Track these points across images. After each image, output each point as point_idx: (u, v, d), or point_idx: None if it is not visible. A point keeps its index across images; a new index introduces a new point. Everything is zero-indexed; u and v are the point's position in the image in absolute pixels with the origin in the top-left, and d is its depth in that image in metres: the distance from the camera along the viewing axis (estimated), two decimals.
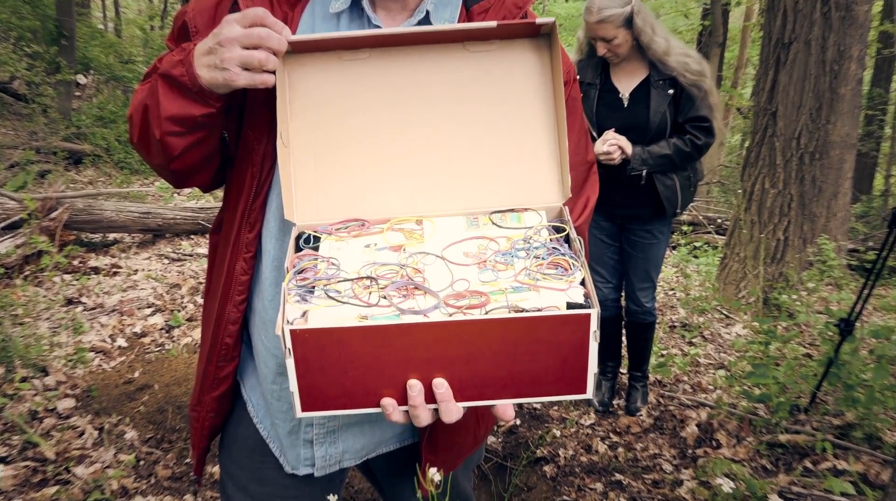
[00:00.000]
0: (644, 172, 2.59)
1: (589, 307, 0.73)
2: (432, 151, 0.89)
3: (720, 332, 4.03)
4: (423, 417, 0.76)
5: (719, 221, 6.61)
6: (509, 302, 0.74)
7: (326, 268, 0.81)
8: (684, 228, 6.38)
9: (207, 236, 5.81)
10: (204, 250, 5.56)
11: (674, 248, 6.16)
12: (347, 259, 0.83)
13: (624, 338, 3.15)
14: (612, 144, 2.52)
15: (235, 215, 0.99)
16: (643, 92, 2.59)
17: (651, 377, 3.30)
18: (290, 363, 0.71)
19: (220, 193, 6.81)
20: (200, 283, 4.65)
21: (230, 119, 0.98)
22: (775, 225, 4.29)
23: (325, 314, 0.74)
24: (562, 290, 0.75)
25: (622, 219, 2.79)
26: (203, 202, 6.84)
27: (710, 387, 3.28)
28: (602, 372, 3.14)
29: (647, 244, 2.79)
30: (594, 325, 0.71)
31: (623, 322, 3.06)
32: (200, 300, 4.32)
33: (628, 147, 2.53)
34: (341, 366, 0.72)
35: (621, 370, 3.34)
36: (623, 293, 2.99)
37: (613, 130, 2.56)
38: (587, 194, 1.05)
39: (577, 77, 0.99)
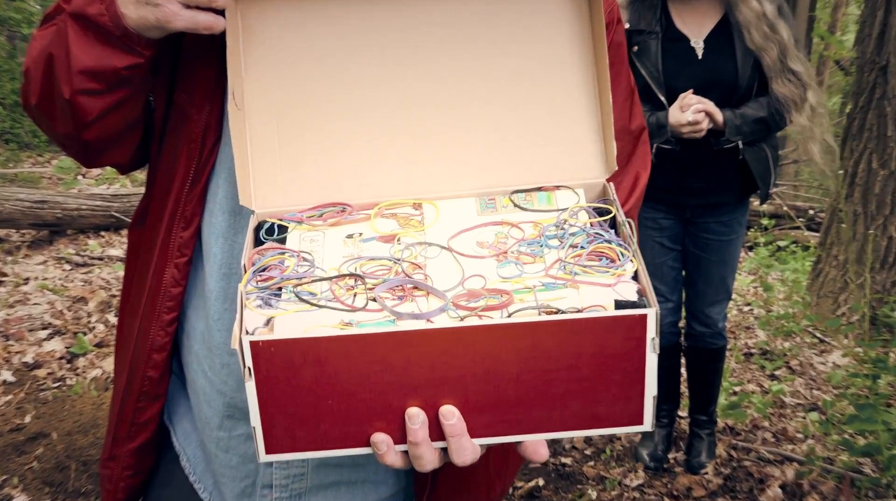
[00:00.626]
0: (740, 144, 2.60)
1: (644, 306, 0.73)
2: (434, 115, 0.89)
3: (812, 361, 4.07)
4: (428, 458, 0.76)
5: (811, 212, 6.63)
6: (539, 302, 0.75)
7: (297, 264, 0.82)
8: (764, 221, 6.37)
9: (124, 232, 5.83)
10: (119, 251, 5.57)
11: (750, 248, 6.16)
12: (324, 254, 0.84)
13: (683, 371, 3.17)
14: (699, 110, 2.51)
15: (165, 205, 1.00)
16: (723, 38, 2.59)
17: (720, 423, 3.33)
18: (251, 388, 0.72)
19: (141, 174, 6.80)
20: (114, 296, 4.66)
21: (159, 77, 0.98)
22: (886, 218, 4.32)
23: (296, 321, 0.75)
24: (608, 285, 0.76)
25: (694, 211, 2.80)
26: (118, 187, 6.85)
27: (799, 435, 3.31)
28: (655, 417, 3.13)
29: (722, 243, 2.81)
30: (652, 330, 0.71)
31: (682, 350, 3.08)
32: (114, 320, 4.33)
33: (718, 113, 2.53)
34: (319, 390, 0.72)
35: (680, 414, 3.36)
36: (683, 313, 3.01)
37: (692, 91, 2.55)
38: (635, 169, 1.06)
39: (627, 23, 1.01)
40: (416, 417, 0.74)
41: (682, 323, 3.08)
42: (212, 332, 1.02)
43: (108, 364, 3.81)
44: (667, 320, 2.94)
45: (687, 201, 2.77)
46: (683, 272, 2.95)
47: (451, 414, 0.74)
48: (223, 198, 0.99)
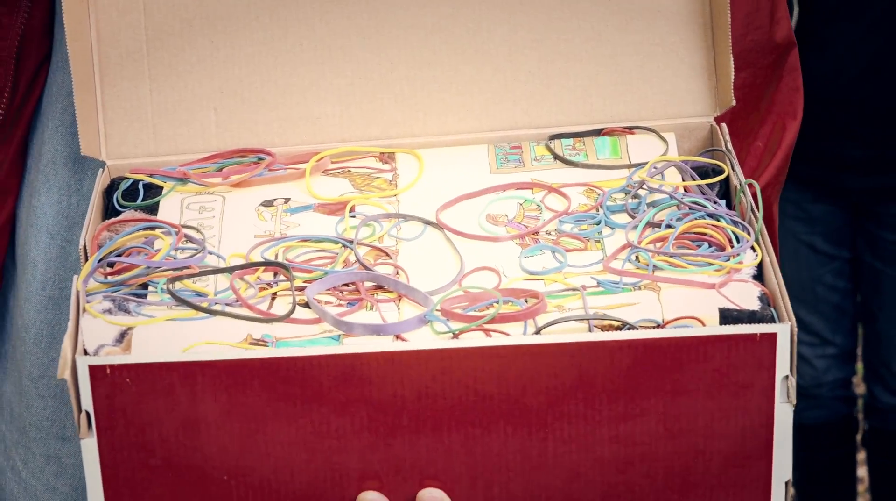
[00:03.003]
0: None
1: (772, 320, 0.60)
2: (421, 9, 0.78)
3: None
4: None
5: None
6: (589, 311, 0.62)
7: (174, 246, 0.69)
8: None
9: None
10: None
11: None
12: (223, 230, 0.74)
13: (861, 472, 2.70)
14: None
15: None
16: None
17: None
18: (90, 449, 0.58)
19: None
20: None
21: None
22: None
23: (170, 335, 0.62)
24: (710, 287, 0.63)
25: (863, 195, 2.24)
26: None
27: None
28: None
29: None
30: (786, 362, 0.58)
31: (860, 437, 2.59)
32: None
33: None
34: (207, 455, 0.59)
35: None
36: (858, 370, 2.55)
37: None
38: (776, 113, 0.92)
39: None
40: None
41: (860, 388, 2.64)
42: (28, 401, 0.85)
43: None
44: (828, 378, 2.40)
45: (848, 178, 2.22)
46: (859, 298, 2.44)
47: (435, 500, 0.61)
48: (51, 163, 0.82)
